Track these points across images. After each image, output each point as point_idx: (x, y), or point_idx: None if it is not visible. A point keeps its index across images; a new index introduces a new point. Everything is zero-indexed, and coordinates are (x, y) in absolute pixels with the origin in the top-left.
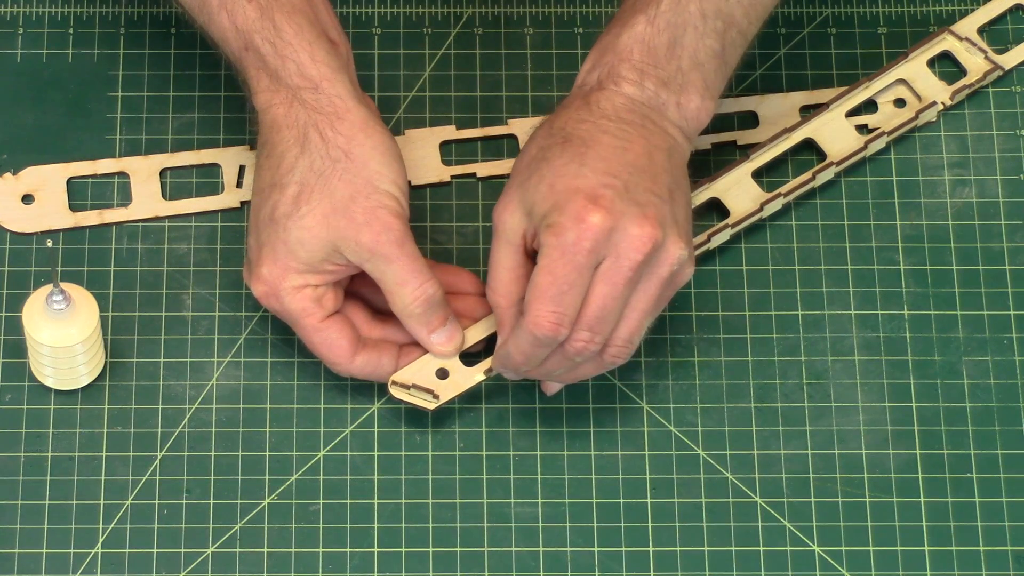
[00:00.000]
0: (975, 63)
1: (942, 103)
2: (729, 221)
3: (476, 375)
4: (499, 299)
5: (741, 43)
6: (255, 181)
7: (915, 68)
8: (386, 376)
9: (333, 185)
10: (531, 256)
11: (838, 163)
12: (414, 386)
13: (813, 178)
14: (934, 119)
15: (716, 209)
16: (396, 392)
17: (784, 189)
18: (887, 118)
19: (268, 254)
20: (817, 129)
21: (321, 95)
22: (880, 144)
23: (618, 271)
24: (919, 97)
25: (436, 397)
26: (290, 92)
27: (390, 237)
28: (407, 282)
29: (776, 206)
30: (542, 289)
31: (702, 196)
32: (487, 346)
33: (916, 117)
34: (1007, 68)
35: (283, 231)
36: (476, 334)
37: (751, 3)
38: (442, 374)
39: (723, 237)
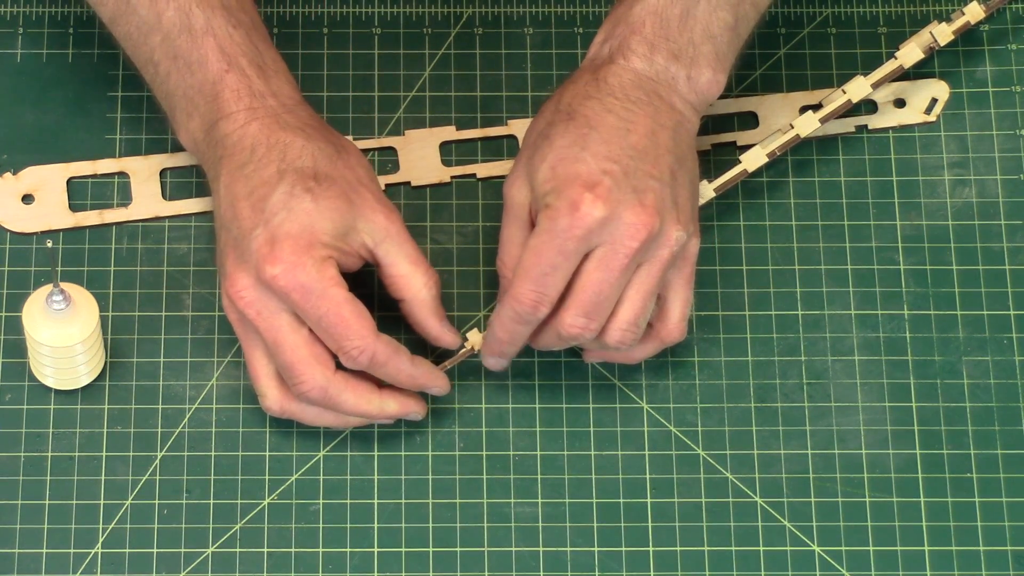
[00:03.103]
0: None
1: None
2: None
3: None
4: (508, 272)
5: (754, 16)
6: (247, 182)
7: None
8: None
9: (340, 171)
10: None
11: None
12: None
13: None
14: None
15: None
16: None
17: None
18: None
19: (288, 232)
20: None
21: (300, 114)
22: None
23: (614, 258)
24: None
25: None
26: (272, 109)
27: (400, 220)
28: (419, 262)
29: (812, 124)
30: (526, 268)
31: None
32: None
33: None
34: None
35: (310, 203)
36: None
37: None
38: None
39: (758, 159)
